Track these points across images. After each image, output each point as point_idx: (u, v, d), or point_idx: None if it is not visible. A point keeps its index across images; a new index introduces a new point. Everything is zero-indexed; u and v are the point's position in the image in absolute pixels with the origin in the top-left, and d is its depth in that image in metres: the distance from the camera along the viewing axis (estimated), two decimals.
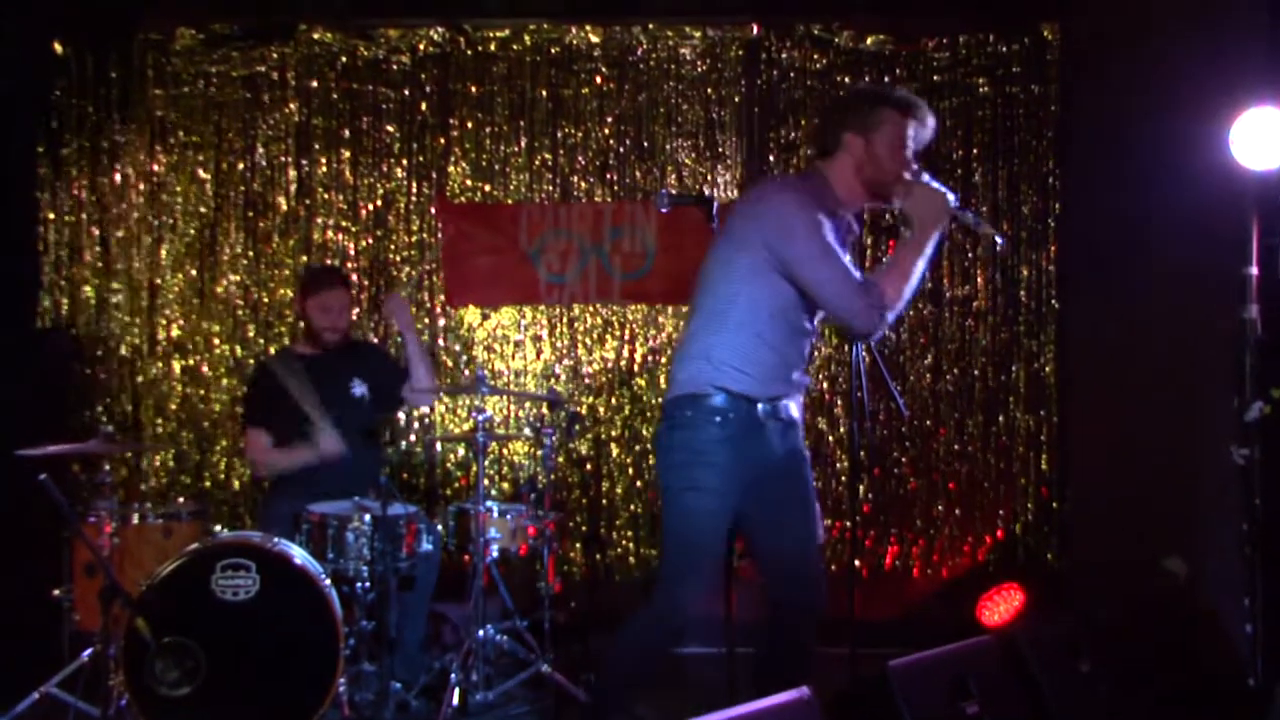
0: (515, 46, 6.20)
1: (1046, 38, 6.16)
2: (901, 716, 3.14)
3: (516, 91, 6.21)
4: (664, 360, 6.20)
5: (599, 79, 6.21)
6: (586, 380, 6.22)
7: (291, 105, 6.15)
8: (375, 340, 6.08)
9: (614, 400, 6.22)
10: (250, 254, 6.13)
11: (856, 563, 3.99)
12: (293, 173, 6.15)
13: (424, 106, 6.20)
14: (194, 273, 6.12)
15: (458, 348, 6.21)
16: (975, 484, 6.18)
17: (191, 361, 6.10)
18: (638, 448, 6.22)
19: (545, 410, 5.69)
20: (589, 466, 6.16)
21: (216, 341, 6.11)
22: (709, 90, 6.23)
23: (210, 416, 6.09)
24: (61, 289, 6.04)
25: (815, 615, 3.58)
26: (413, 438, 6.18)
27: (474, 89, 6.20)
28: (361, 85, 6.18)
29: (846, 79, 6.20)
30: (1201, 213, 4.57)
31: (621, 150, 6.23)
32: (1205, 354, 4.60)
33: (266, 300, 6.13)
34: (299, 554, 4.22)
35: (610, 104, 6.22)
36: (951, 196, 3.44)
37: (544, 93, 6.21)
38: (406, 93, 6.19)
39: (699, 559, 3.40)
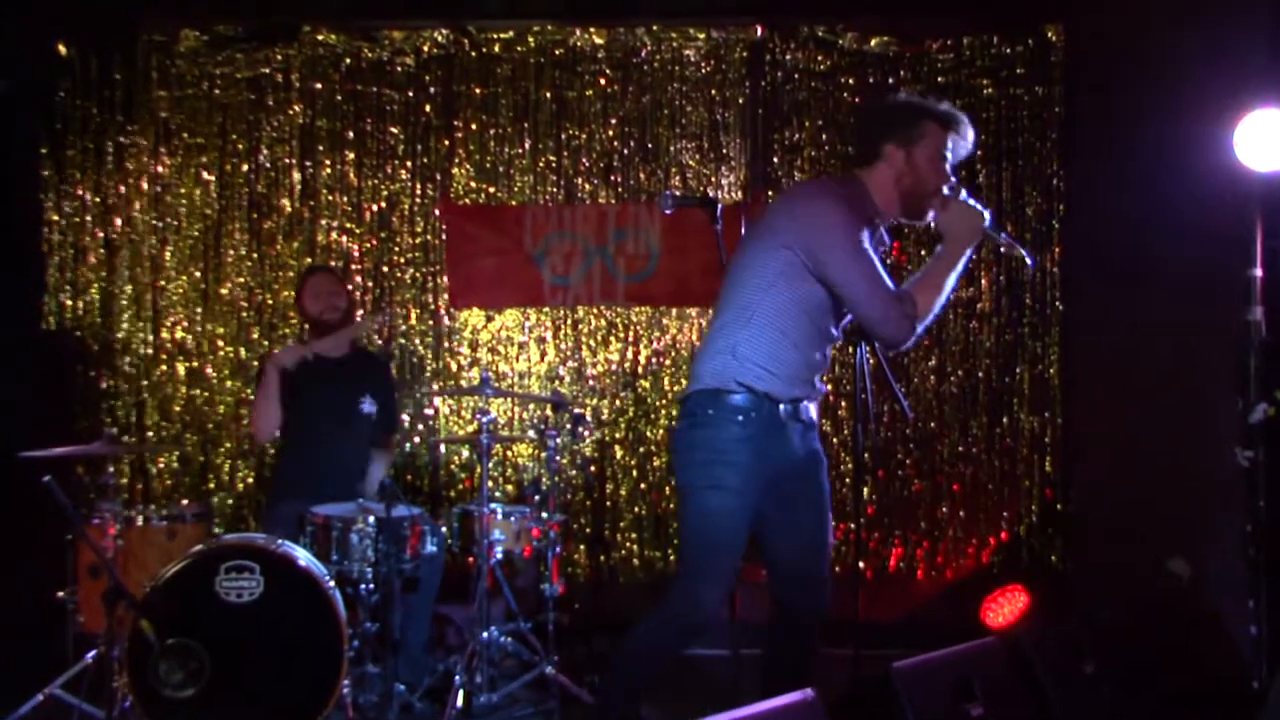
0: (519, 48, 6.20)
1: (1050, 39, 6.16)
2: (905, 718, 3.14)
3: (520, 93, 6.21)
4: (668, 362, 6.20)
5: (603, 80, 6.22)
6: (591, 382, 6.23)
7: (296, 107, 6.15)
8: (380, 341, 6.10)
9: (618, 402, 6.22)
10: (254, 256, 6.14)
11: (861, 564, 3.99)
12: (297, 174, 6.16)
13: (428, 108, 6.20)
14: (198, 275, 6.12)
15: (462, 350, 6.21)
16: (979, 486, 6.18)
17: (196, 363, 6.10)
18: (642, 449, 6.22)
19: (549, 412, 5.68)
20: (593, 468, 6.16)
21: (221, 343, 6.12)
22: (713, 92, 6.23)
23: (214, 418, 6.10)
24: (66, 291, 6.04)
25: (821, 617, 3.58)
26: (417, 439, 6.18)
27: (478, 90, 6.21)
28: (366, 87, 6.18)
29: (850, 80, 6.20)
30: (1205, 214, 4.56)
31: (625, 152, 6.23)
32: (1209, 356, 4.59)
33: (271, 302, 6.13)
34: (303, 556, 4.23)
35: (614, 105, 6.23)
36: (987, 215, 3.45)
37: (548, 94, 6.22)
38: (410, 94, 6.19)
39: (721, 558, 3.38)
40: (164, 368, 6.09)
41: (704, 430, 3.39)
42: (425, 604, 4.84)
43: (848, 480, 6.07)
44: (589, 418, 6.07)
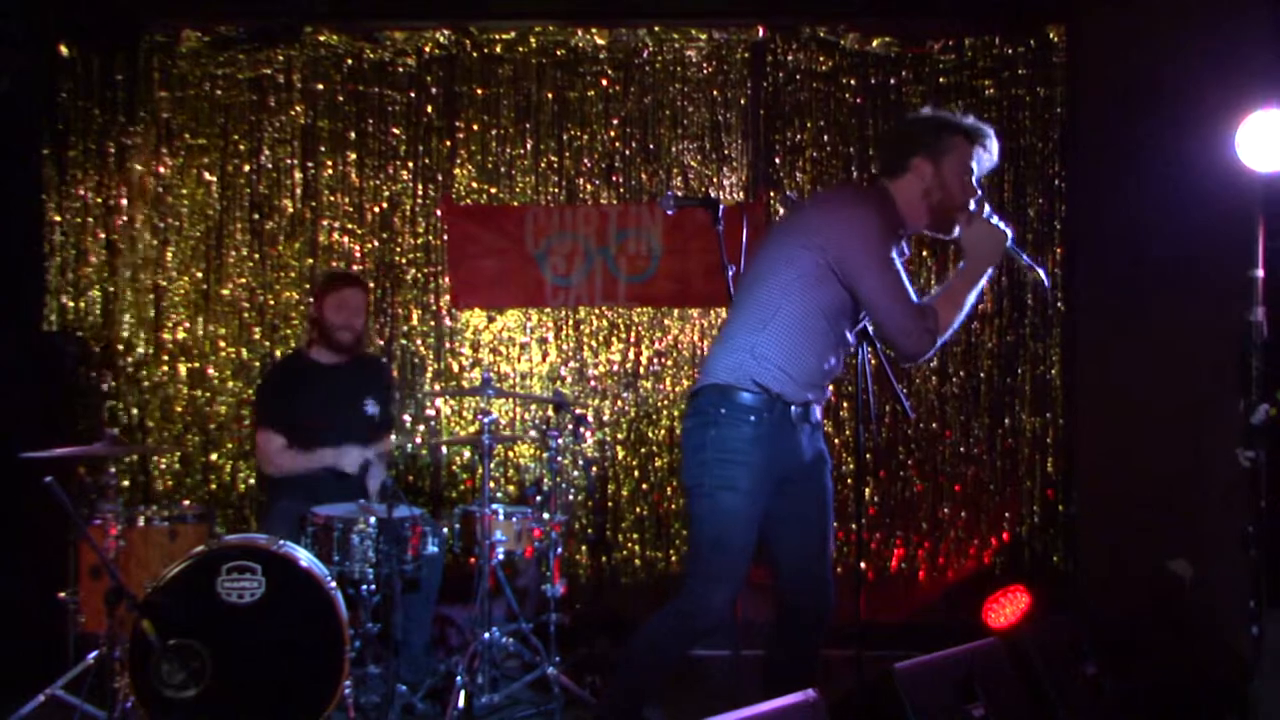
0: (521, 49, 6.20)
1: (1052, 40, 6.15)
2: (907, 718, 3.14)
3: (522, 94, 6.22)
4: (670, 363, 6.20)
5: (605, 81, 6.22)
6: (592, 383, 6.23)
7: (297, 108, 6.15)
8: (381, 343, 6.10)
9: (619, 403, 6.22)
10: (256, 257, 6.14)
11: (862, 565, 4.00)
12: (298, 175, 6.16)
13: (430, 109, 6.20)
14: (199, 275, 6.12)
15: (463, 350, 6.21)
16: (981, 486, 6.18)
17: (197, 364, 6.10)
18: (643, 450, 6.22)
19: (551, 413, 5.68)
20: (595, 469, 6.16)
21: (222, 344, 6.12)
22: (714, 92, 6.23)
23: (216, 419, 6.10)
24: (68, 292, 6.04)
25: (825, 619, 3.58)
26: (418, 440, 6.19)
27: (480, 91, 6.21)
28: (367, 87, 6.18)
29: (852, 81, 6.20)
30: (1207, 215, 4.56)
31: (627, 152, 6.23)
32: (1211, 356, 4.59)
33: (272, 303, 6.13)
34: (304, 556, 4.23)
35: (616, 106, 6.23)
36: (1010, 233, 3.47)
37: (550, 95, 6.22)
38: (412, 95, 6.20)
39: (732, 559, 3.38)
40: (165, 368, 6.09)
41: (716, 430, 3.38)
42: (426, 604, 4.85)
43: (849, 481, 6.07)
44: (590, 418, 6.07)
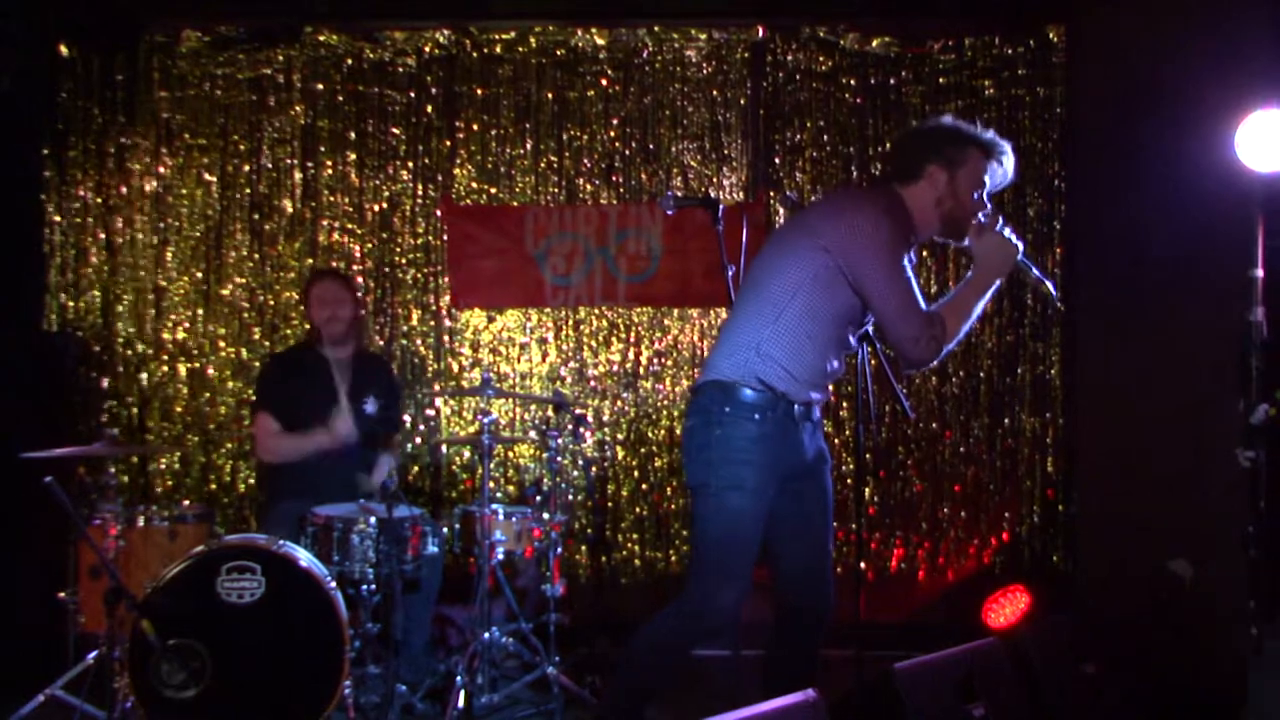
0: (521, 49, 6.20)
1: (1052, 40, 6.15)
2: (907, 718, 3.14)
3: (522, 94, 6.22)
4: (670, 363, 6.20)
5: (604, 81, 6.22)
6: (592, 383, 6.23)
7: (297, 108, 6.15)
8: (381, 342, 6.10)
9: (619, 403, 6.22)
10: (256, 257, 6.14)
11: (862, 565, 3.99)
12: (298, 175, 6.16)
13: (429, 109, 6.20)
14: (199, 275, 6.12)
15: (463, 350, 6.21)
16: (981, 486, 6.18)
17: (197, 364, 6.10)
18: (643, 450, 6.22)
19: (551, 413, 5.69)
20: (594, 469, 6.15)
21: (222, 344, 6.12)
22: (714, 92, 6.23)
23: (216, 419, 6.10)
24: (67, 292, 6.04)
25: (825, 618, 3.58)
26: (418, 440, 6.18)
27: (479, 91, 6.21)
28: (367, 87, 6.18)
29: (852, 81, 6.20)
30: (1207, 215, 4.57)
31: (627, 152, 6.23)
32: (1210, 356, 4.60)
33: (272, 303, 6.13)
34: (304, 556, 4.23)
35: (616, 106, 6.23)
36: (1021, 246, 3.48)
37: (549, 95, 6.22)
38: (412, 95, 6.20)
39: (740, 558, 3.38)
40: (165, 368, 6.09)
41: (721, 429, 3.37)
42: (426, 604, 4.85)
43: (849, 481, 6.07)
44: (590, 418, 6.07)
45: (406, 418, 6.07)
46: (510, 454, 6.22)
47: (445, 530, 4.91)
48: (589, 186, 6.22)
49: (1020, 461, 6.17)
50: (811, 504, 3.55)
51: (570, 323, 6.23)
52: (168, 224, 6.11)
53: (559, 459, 5.19)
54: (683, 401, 6.06)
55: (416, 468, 6.17)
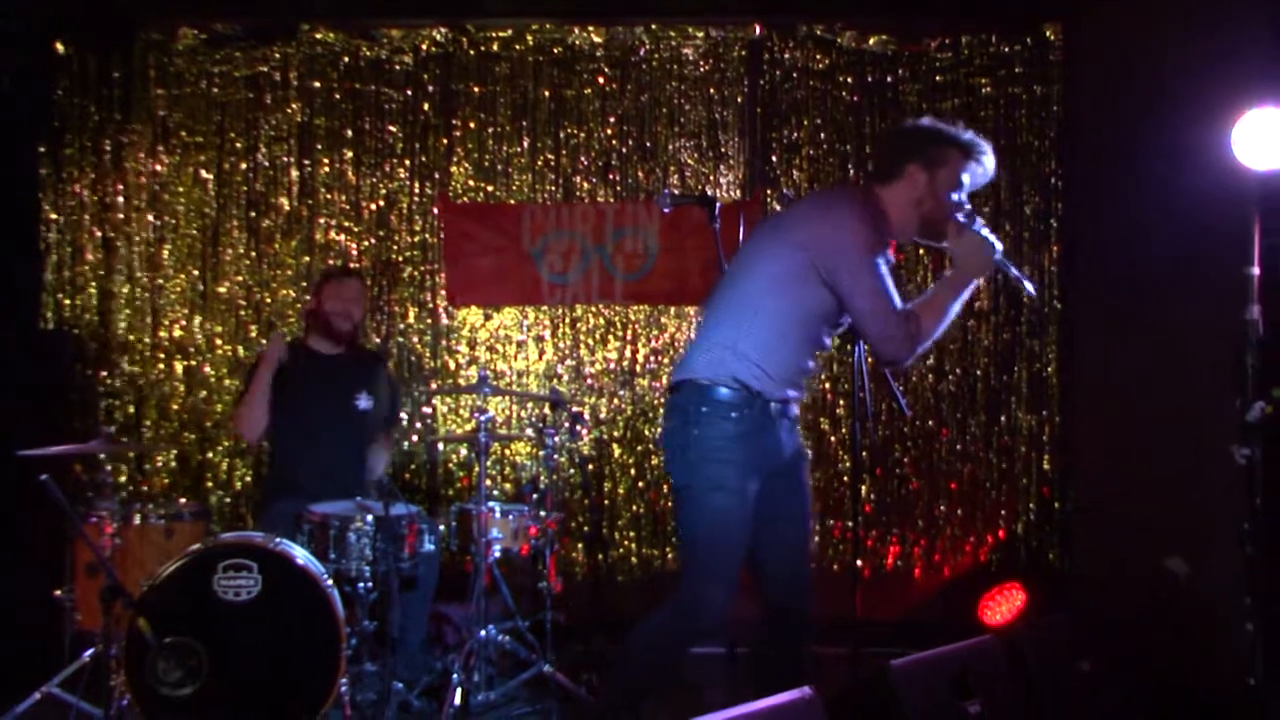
0: (518, 46, 6.20)
1: (1049, 38, 6.15)
2: (903, 716, 3.14)
3: (519, 91, 6.21)
4: (666, 361, 6.20)
5: (601, 79, 6.22)
6: (589, 380, 6.23)
7: (294, 105, 6.15)
8: (378, 340, 6.10)
9: (616, 400, 6.22)
10: (252, 254, 6.14)
11: (858, 563, 3.99)
12: (295, 173, 6.16)
13: (426, 106, 6.20)
14: (196, 273, 6.12)
15: (460, 348, 6.21)
16: (977, 484, 6.18)
17: (194, 362, 6.10)
18: (640, 448, 6.22)
19: (547, 410, 5.69)
20: (591, 467, 6.15)
21: (219, 342, 6.12)
22: (711, 90, 6.23)
23: (212, 417, 6.09)
24: (64, 290, 6.04)
25: (808, 614, 3.57)
26: (415, 438, 6.18)
27: (476, 89, 6.20)
28: (364, 85, 6.18)
29: (849, 79, 6.20)
30: (1203, 213, 4.57)
31: (624, 150, 6.23)
32: (1207, 354, 4.60)
33: (269, 301, 6.13)
34: (301, 554, 4.22)
35: (613, 104, 6.23)
36: (999, 246, 3.49)
37: (546, 93, 6.22)
38: (409, 93, 6.19)
39: (728, 558, 3.38)
40: (162, 366, 6.09)
41: (699, 429, 3.38)
42: (423, 602, 4.84)
43: (845, 478, 6.08)
44: (587, 416, 6.07)
45: (403, 415, 6.07)
46: (507, 452, 6.21)
47: (442, 528, 4.91)
48: (586, 184, 6.22)
49: (1017, 459, 6.18)
50: (790, 502, 3.55)
51: (567, 320, 6.23)
52: (164, 222, 6.11)
53: (556, 457, 5.19)
54: None
55: (413, 465, 6.17)
